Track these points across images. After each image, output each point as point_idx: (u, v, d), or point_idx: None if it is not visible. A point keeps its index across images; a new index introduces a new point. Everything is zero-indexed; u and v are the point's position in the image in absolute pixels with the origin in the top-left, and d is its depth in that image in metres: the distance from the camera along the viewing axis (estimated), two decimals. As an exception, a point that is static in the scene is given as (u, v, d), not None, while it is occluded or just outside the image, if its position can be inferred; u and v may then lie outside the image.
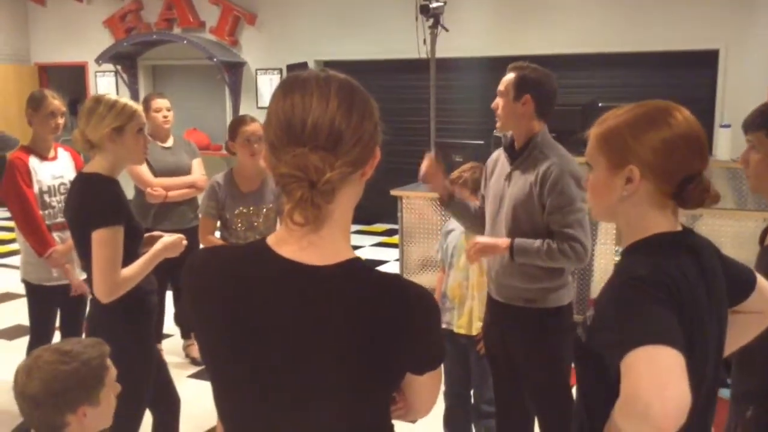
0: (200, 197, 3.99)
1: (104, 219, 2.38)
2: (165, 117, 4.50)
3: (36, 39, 11.16)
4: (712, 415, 1.53)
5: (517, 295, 2.77)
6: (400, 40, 7.41)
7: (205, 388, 1.33)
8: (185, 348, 4.80)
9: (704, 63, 7.57)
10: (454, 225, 3.28)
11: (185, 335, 4.80)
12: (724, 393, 2.12)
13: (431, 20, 5.55)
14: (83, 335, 2.66)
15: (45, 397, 1.74)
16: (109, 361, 1.86)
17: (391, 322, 1.18)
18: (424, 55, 5.70)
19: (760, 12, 7.24)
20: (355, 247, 7.64)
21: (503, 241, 2.70)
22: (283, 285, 1.20)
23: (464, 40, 7.78)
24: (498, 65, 3.08)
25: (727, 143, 6.04)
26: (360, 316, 1.18)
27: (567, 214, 2.62)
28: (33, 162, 3.59)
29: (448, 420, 3.37)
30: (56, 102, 3.62)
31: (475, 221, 2.99)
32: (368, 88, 1.26)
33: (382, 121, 1.25)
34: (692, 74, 7.74)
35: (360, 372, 1.19)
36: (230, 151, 3.64)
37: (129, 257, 2.45)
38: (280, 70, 9.36)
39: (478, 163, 3.32)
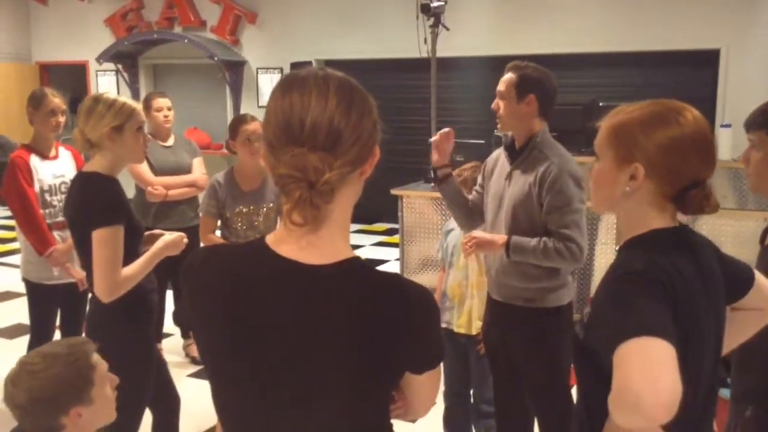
0: (201, 196, 4.00)
1: (104, 218, 2.38)
2: (166, 116, 4.51)
3: (37, 38, 11.17)
4: (713, 414, 1.53)
5: (517, 294, 2.77)
6: (400, 39, 7.42)
7: (205, 387, 1.32)
8: (185, 347, 4.80)
9: (705, 62, 7.57)
10: (455, 224, 3.27)
11: (185, 334, 4.80)
12: (724, 393, 2.12)
13: (432, 19, 5.56)
14: (83, 334, 2.65)
15: (33, 406, 1.73)
16: (96, 358, 1.84)
17: (390, 321, 1.18)
18: (425, 54, 5.70)
19: (761, 11, 7.24)
20: (355, 247, 7.65)
21: (500, 238, 2.70)
22: (283, 284, 1.19)
23: (465, 39, 7.78)
24: (499, 64, 3.07)
25: (728, 143, 6.02)
26: (360, 315, 1.18)
27: (564, 214, 2.62)
28: (34, 161, 3.59)
29: (448, 420, 3.37)
30: (56, 100, 3.62)
31: (464, 210, 2.98)
32: (369, 87, 1.26)
33: (381, 120, 1.25)
34: (693, 74, 7.74)
35: (360, 371, 1.19)
36: (231, 150, 3.65)
37: (129, 256, 2.44)
38: (281, 69, 9.35)
39: (480, 162, 3.32)
